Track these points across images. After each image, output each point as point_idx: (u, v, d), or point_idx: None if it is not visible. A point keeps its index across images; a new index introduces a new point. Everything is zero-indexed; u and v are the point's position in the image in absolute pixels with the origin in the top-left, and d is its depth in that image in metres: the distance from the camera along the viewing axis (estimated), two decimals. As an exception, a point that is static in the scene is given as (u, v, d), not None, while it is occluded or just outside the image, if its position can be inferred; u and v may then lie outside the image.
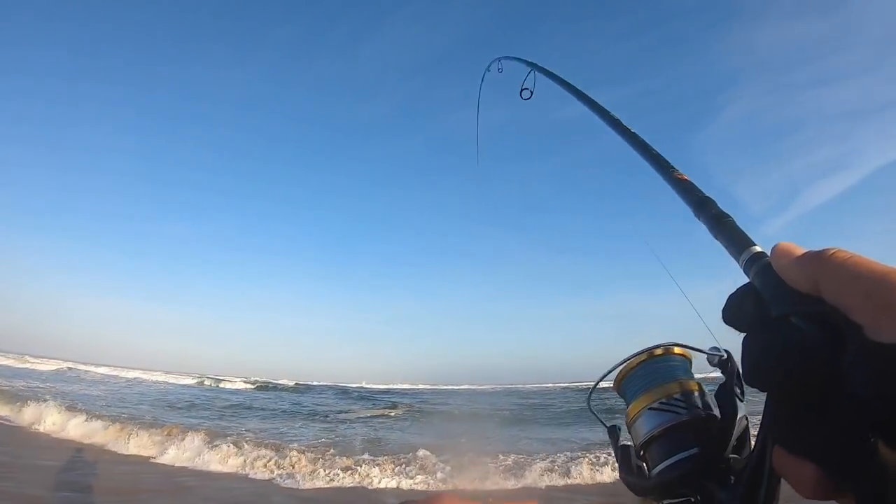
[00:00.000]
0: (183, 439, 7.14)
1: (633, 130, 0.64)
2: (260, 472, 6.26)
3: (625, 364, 0.50)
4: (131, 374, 28.60)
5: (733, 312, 0.33)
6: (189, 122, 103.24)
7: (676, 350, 0.49)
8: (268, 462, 6.49)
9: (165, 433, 7.57)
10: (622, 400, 0.51)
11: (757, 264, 0.35)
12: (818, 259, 0.28)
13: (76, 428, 7.72)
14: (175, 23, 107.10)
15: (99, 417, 8.33)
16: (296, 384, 30.96)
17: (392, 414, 14.65)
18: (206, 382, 26.79)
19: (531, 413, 15.09)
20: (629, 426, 0.49)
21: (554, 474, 6.02)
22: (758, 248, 0.37)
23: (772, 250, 0.32)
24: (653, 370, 0.48)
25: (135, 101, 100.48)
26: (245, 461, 6.56)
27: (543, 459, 6.49)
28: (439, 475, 6.08)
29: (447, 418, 13.60)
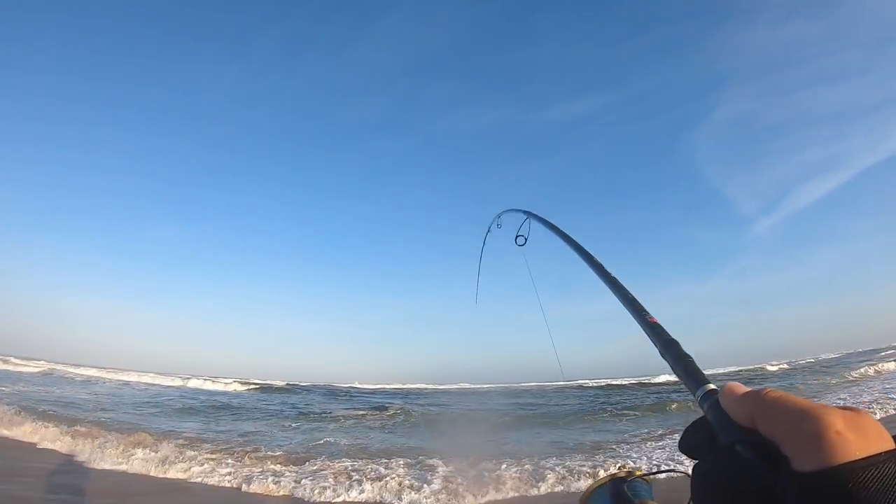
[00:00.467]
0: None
1: (613, 276, 0.75)
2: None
3: (589, 486, 0.58)
4: (116, 376, 28.30)
5: (688, 443, 0.39)
6: (178, 119, 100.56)
7: (638, 473, 0.60)
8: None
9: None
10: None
11: (709, 400, 0.41)
12: (754, 398, 0.33)
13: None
14: (166, 19, 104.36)
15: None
16: (286, 384, 30.90)
17: (366, 415, 13.69)
18: (192, 384, 26.51)
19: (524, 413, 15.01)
20: None
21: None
22: (711, 386, 0.44)
23: (721, 388, 0.38)
24: (616, 490, 0.55)
25: (123, 97, 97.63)
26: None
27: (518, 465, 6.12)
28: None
29: (433, 420, 13.03)
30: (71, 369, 28.88)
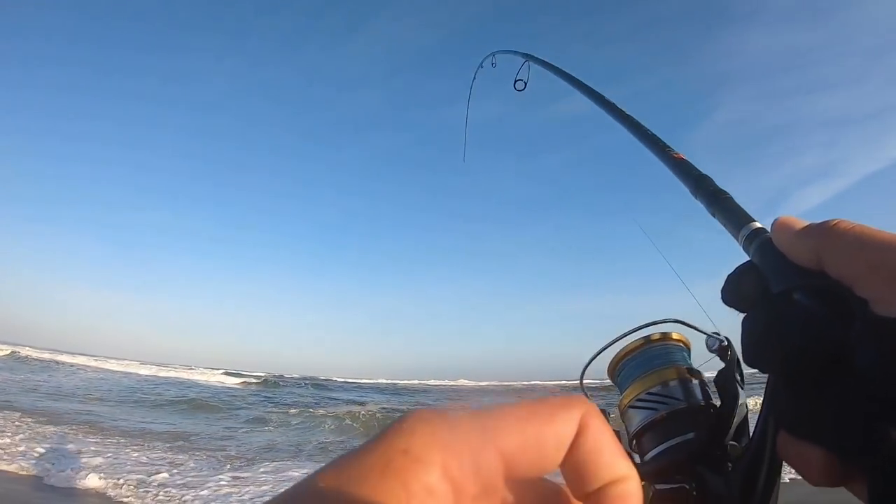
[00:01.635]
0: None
1: (628, 113, 0.65)
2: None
3: (620, 350, 0.49)
4: (83, 361, 27.77)
5: (732, 291, 0.32)
6: (172, 109, 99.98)
7: (674, 335, 0.48)
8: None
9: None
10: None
11: (757, 240, 0.34)
12: (820, 231, 0.27)
13: None
14: (161, 12, 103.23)
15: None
16: (266, 376, 30.63)
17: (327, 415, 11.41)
18: (167, 373, 26.11)
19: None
20: (622, 413, 0.48)
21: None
22: (757, 224, 0.37)
23: (772, 224, 0.31)
24: (649, 356, 0.47)
25: (118, 87, 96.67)
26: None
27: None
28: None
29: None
30: (36, 353, 28.12)
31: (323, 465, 0.16)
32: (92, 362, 28.18)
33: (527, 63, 1.32)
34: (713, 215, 0.44)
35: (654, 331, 0.49)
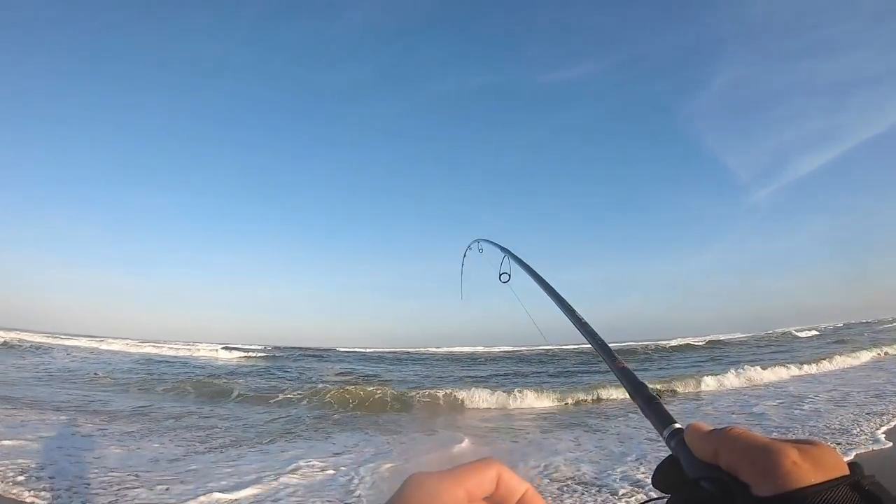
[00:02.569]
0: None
1: (584, 320, 0.80)
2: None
3: None
4: (79, 343, 28.06)
5: (660, 479, 0.45)
6: (156, 86, 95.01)
7: None
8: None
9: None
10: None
11: (676, 437, 0.47)
12: (717, 435, 0.39)
13: None
14: None
15: None
16: (265, 348, 31.19)
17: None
18: (164, 351, 26.49)
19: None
20: None
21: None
22: (676, 426, 0.50)
23: (686, 428, 0.44)
24: None
25: (102, 65, 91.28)
26: None
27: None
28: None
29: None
30: (30, 337, 28.21)
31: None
32: (86, 343, 28.36)
33: (506, 257, 1.52)
34: (645, 414, 0.59)
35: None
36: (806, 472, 0.32)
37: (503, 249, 1.51)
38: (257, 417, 8.15)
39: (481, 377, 15.89)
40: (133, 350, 26.13)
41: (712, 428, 0.41)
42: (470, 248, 2.28)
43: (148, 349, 26.77)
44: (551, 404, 9.59)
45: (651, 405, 0.59)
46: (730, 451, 0.37)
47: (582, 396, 9.89)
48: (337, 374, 16.58)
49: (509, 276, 1.57)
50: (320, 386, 11.14)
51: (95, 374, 13.40)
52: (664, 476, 0.45)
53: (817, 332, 31.83)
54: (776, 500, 0.32)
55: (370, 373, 17.62)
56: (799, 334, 31.07)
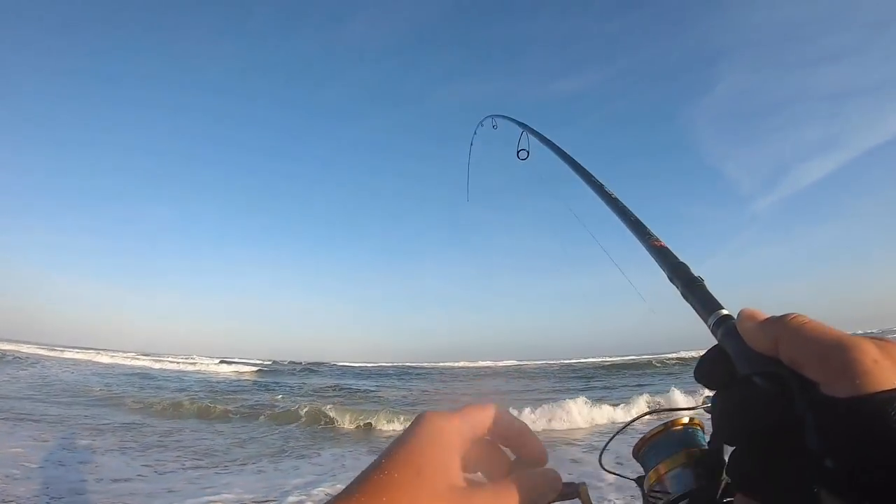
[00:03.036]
0: None
1: (615, 196, 0.70)
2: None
3: (643, 437, 0.56)
4: (75, 356, 27.86)
5: (703, 373, 0.38)
6: (156, 101, 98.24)
7: (696, 421, 0.56)
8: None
9: None
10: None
11: (724, 326, 0.40)
12: (779, 324, 0.33)
13: None
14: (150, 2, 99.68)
15: None
16: (262, 363, 30.99)
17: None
18: (163, 364, 26.28)
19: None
20: (652, 484, 0.55)
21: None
22: (724, 312, 0.43)
23: (738, 314, 0.37)
24: (669, 440, 0.54)
25: (115, 73, 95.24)
26: None
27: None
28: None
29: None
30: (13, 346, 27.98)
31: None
32: (81, 356, 28.26)
33: (524, 133, 1.38)
34: (686, 299, 0.51)
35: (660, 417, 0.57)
36: (889, 373, 0.27)
37: (521, 125, 1.37)
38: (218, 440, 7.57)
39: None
40: (129, 363, 25.98)
41: (770, 316, 0.34)
42: (482, 125, 2.06)
43: (146, 362, 26.71)
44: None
45: (693, 288, 0.51)
46: (794, 344, 0.31)
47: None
48: (316, 391, 16.25)
49: (528, 152, 1.42)
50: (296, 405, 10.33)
51: (86, 386, 13.17)
52: (710, 369, 0.38)
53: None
54: (853, 403, 0.26)
55: (367, 388, 17.33)
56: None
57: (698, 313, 0.47)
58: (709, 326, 0.43)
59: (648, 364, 24.85)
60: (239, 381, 19.76)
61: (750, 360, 0.34)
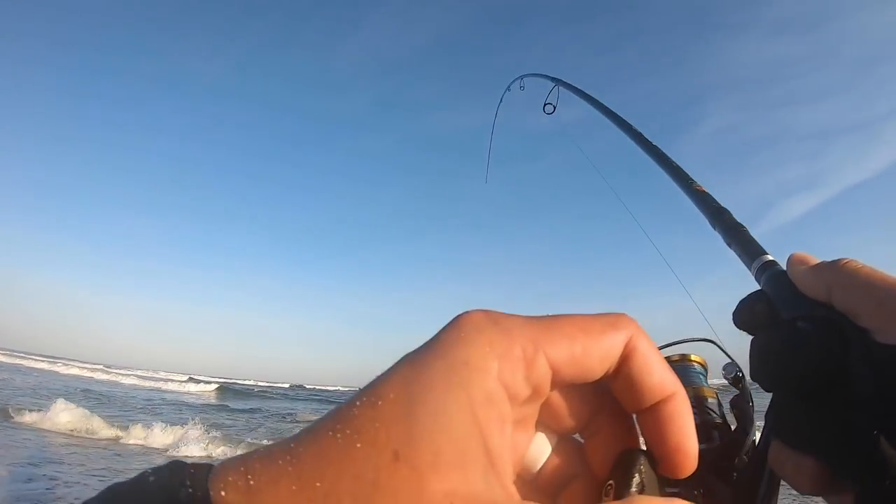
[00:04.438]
0: None
1: (654, 143, 0.72)
2: None
3: None
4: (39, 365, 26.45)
5: (745, 315, 0.37)
6: (157, 111, 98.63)
7: (693, 357, 0.56)
8: None
9: None
10: None
11: (769, 271, 0.40)
12: (833, 267, 0.32)
13: None
14: (150, 13, 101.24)
15: None
16: (220, 383, 29.76)
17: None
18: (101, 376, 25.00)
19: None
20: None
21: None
22: (769, 257, 0.42)
23: (788, 258, 0.36)
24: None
25: (107, 90, 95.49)
26: None
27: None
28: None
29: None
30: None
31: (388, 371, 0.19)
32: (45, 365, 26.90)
33: (556, 87, 1.38)
34: (729, 245, 0.51)
35: (676, 351, 0.57)
36: None
37: (554, 79, 1.36)
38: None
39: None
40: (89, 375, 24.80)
41: (823, 260, 0.34)
42: (509, 90, 1.99)
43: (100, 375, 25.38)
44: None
45: (736, 234, 0.50)
46: (849, 288, 0.30)
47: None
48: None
49: (554, 107, 1.43)
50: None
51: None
52: (751, 311, 0.37)
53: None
54: None
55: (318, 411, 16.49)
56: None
57: (741, 259, 0.47)
58: (752, 272, 0.43)
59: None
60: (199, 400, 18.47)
61: (799, 304, 0.33)
